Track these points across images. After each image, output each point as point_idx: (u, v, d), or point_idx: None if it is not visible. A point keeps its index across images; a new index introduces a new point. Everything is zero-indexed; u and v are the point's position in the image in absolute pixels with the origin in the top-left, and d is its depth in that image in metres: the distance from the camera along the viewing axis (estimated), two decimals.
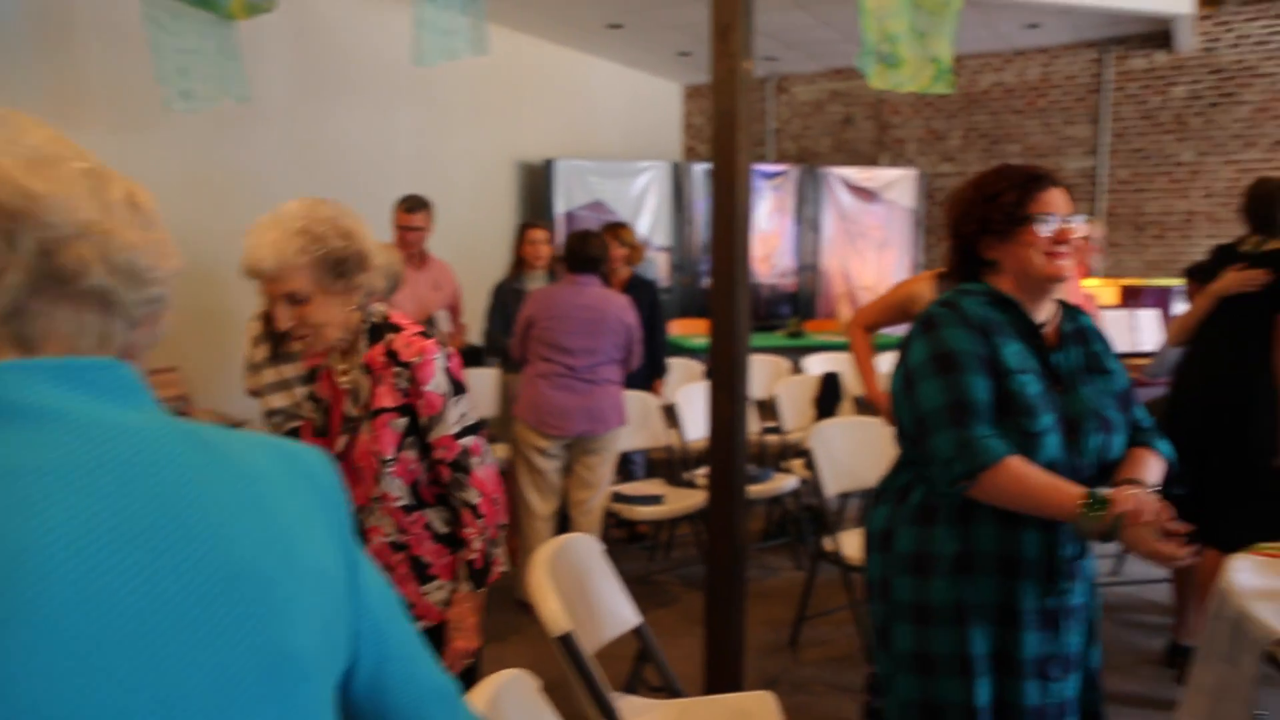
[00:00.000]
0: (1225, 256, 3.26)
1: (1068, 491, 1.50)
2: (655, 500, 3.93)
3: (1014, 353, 1.61)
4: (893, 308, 3.03)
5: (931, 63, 2.11)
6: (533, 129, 6.98)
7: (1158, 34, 6.86)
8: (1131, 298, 6.45)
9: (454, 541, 1.87)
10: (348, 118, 5.45)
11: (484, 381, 4.67)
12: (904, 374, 1.66)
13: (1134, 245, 7.26)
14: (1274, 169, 6.48)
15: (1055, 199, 1.64)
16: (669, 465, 4.37)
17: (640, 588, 4.03)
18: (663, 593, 4.08)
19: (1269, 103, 6.74)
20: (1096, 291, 6.31)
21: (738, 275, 2.48)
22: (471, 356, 4.47)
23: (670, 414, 4.36)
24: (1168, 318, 5.69)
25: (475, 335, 4.86)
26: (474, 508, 1.82)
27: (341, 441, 1.85)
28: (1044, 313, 1.70)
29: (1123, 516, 1.44)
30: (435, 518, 1.87)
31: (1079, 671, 1.70)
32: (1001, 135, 7.62)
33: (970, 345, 1.59)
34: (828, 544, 3.22)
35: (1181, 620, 3.32)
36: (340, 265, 1.71)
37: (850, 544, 3.18)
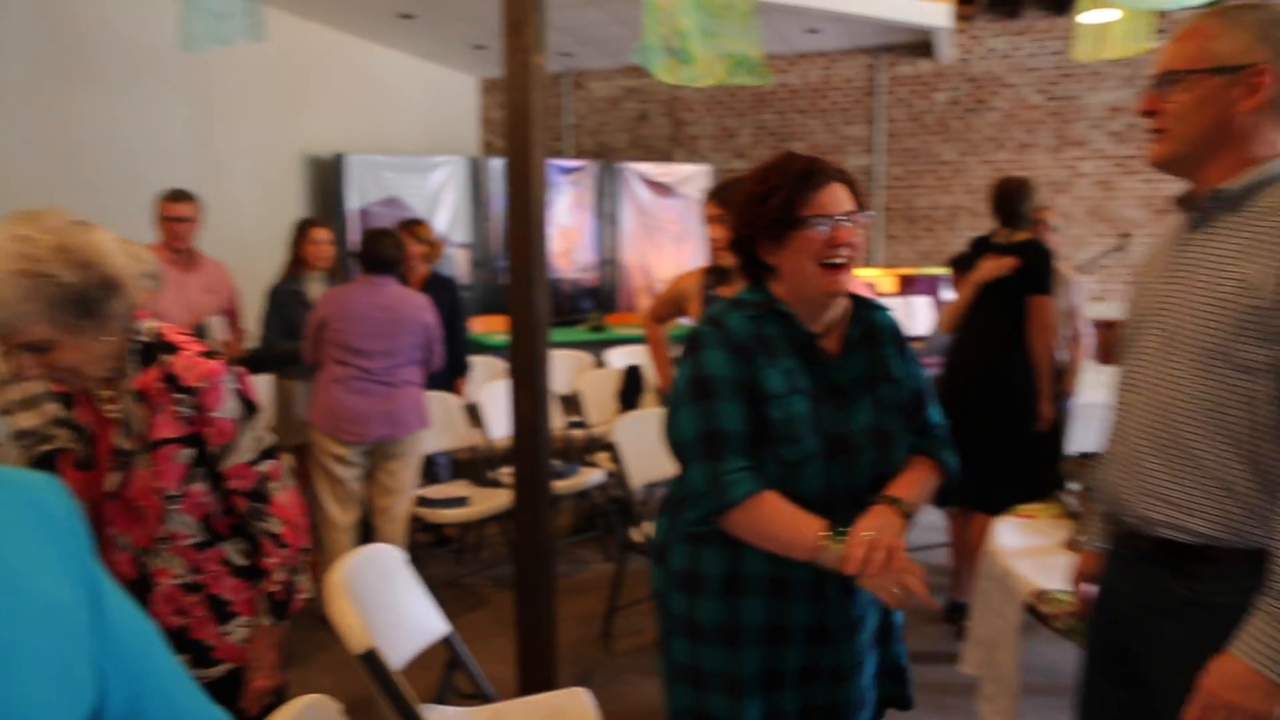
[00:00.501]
0: (981, 247, 3.59)
1: (809, 530, 1.43)
2: (461, 502, 3.85)
3: (779, 374, 1.51)
4: (670, 302, 3.10)
5: (725, 59, 2.16)
6: (321, 122, 6.65)
7: (922, 44, 7.44)
8: (907, 286, 6.98)
9: (255, 573, 1.71)
10: (106, 106, 4.96)
11: (260, 389, 4.39)
12: (673, 396, 1.58)
13: (908, 237, 7.85)
14: (1021, 168, 7.19)
15: (833, 196, 1.53)
16: (474, 466, 4.29)
17: (450, 592, 3.94)
18: (473, 595, 4.01)
19: (1014, 110, 7.47)
20: (877, 280, 6.77)
21: (535, 271, 2.45)
22: (252, 363, 4.19)
23: (474, 413, 4.28)
24: (938, 303, 6.19)
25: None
26: (276, 537, 1.67)
27: (115, 478, 1.63)
28: (827, 317, 1.58)
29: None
30: (232, 550, 1.70)
31: (858, 677, 1.64)
32: (788, 134, 8.02)
33: (727, 370, 1.49)
34: (635, 535, 3.26)
35: (958, 580, 3.63)
36: (83, 301, 1.44)
37: None
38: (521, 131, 2.40)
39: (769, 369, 1.50)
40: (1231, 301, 1.29)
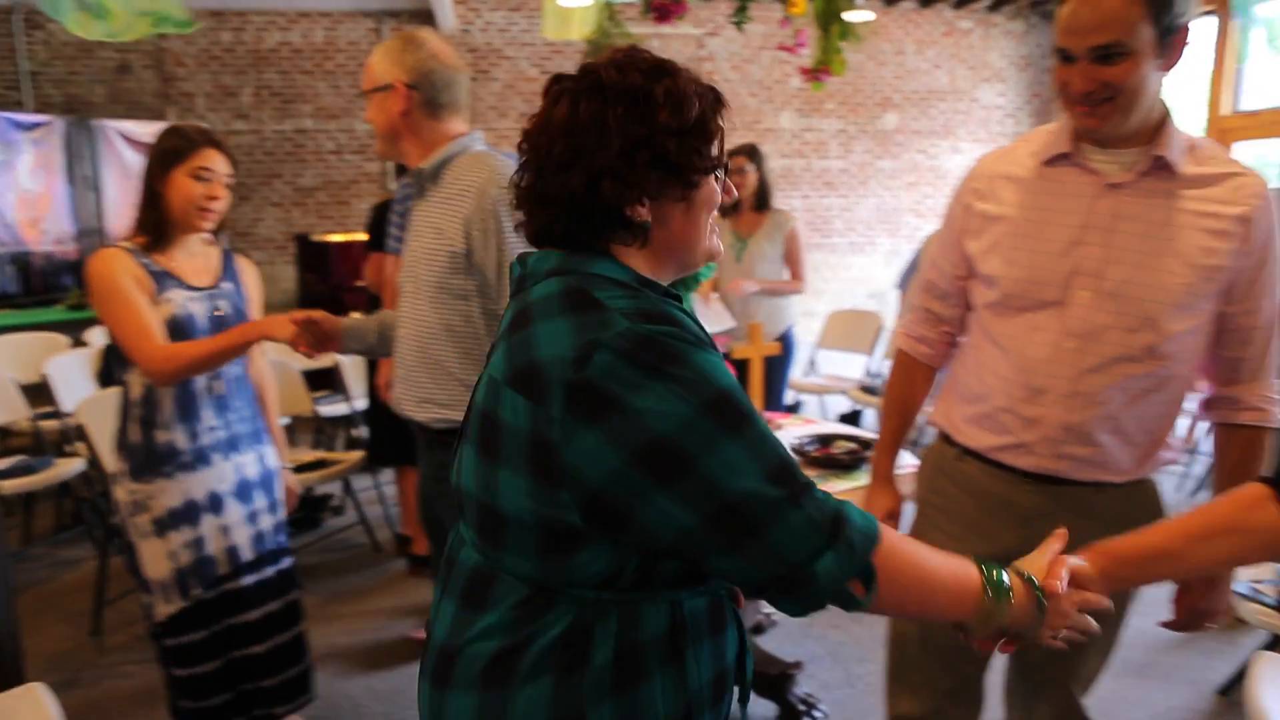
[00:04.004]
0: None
1: (967, 574, 1.01)
2: None
3: None
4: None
5: (146, 16, 2.06)
6: None
7: (424, 11, 7.61)
8: None
9: None
10: None
11: None
12: (635, 452, 0.90)
13: None
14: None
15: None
16: None
17: None
18: None
19: (513, 81, 7.99)
20: None
21: None
22: None
23: None
24: None
25: None
26: None
27: None
28: None
29: (1050, 598, 1.02)
30: None
31: None
32: (293, 95, 7.72)
33: (730, 375, 0.96)
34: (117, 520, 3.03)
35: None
36: None
37: None
38: None
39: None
40: (442, 249, 1.80)
